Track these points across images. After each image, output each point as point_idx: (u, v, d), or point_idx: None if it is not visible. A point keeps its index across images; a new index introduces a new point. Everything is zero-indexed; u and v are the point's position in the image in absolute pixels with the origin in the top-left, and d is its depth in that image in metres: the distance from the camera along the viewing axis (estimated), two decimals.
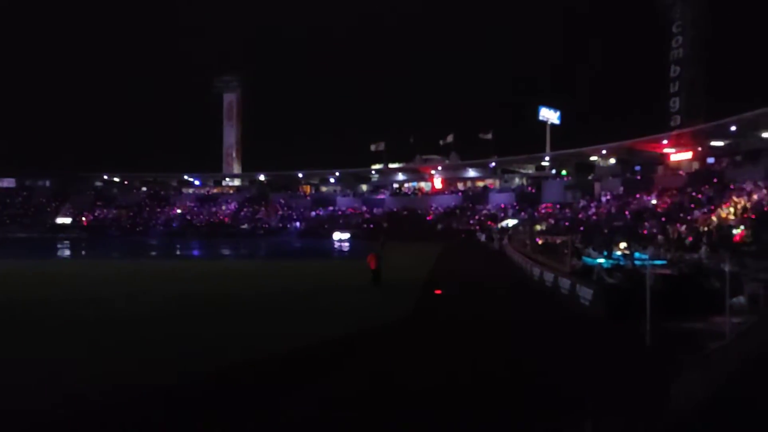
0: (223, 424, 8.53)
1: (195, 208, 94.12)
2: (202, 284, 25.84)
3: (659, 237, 35.36)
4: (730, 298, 14.67)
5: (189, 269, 33.84)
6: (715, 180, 49.57)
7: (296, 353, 13.00)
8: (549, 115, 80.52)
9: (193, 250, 55.39)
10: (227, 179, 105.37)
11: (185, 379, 10.77)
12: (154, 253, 49.33)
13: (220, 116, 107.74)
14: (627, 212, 52.33)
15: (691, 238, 32.60)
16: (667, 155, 60.25)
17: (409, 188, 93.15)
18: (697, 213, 41.77)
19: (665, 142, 58.24)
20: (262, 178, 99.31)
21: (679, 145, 58.19)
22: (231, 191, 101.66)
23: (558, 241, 29.00)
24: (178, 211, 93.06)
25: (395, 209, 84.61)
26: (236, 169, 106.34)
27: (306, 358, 12.77)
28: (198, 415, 9.01)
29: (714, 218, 38.10)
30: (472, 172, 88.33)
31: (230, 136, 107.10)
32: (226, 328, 15.92)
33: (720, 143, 55.01)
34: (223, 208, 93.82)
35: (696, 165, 57.72)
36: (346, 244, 64.13)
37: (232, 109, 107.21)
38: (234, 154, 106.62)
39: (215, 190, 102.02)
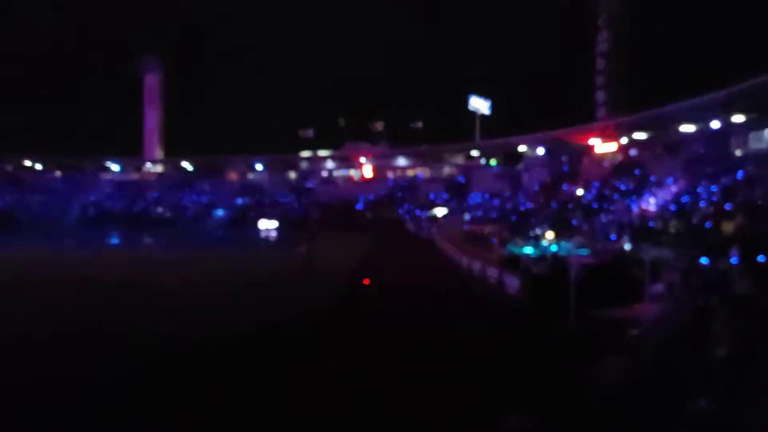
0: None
1: (114, 194, 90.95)
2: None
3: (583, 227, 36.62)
4: (649, 287, 15.42)
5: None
6: (637, 171, 51.63)
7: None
8: (479, 105, 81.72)
9: (106, 238, 53.57)
10: (149, 165, 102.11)
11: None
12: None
13: (141, 99, 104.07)
14: (554, 202, 53.88)
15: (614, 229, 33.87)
16: (593, 146, 62.35)
17: (338, 176, 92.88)
18: (619, 203, 43.42)
19: (591, 133, 60.26)
20: (186, 164, 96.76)
21: (604, 137, 60.31)
22: (153, 177, 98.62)
23: (486, 230, 29.67)
24: (95, 197, 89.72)
25: (324, 197, 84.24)
26: (158, 154, 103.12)
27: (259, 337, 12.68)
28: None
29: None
30: (402, 161, 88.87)
31: (152, 119, 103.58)
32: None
33: (642, 135, 57.33)
34: (145, 194, 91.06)
35: (619, 156, 59.96)
36: (274, 233, 63.42)
37: (153, 92, 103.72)
38: (156, 139, 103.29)
39: (136, 176, 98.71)
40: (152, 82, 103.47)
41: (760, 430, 6.50)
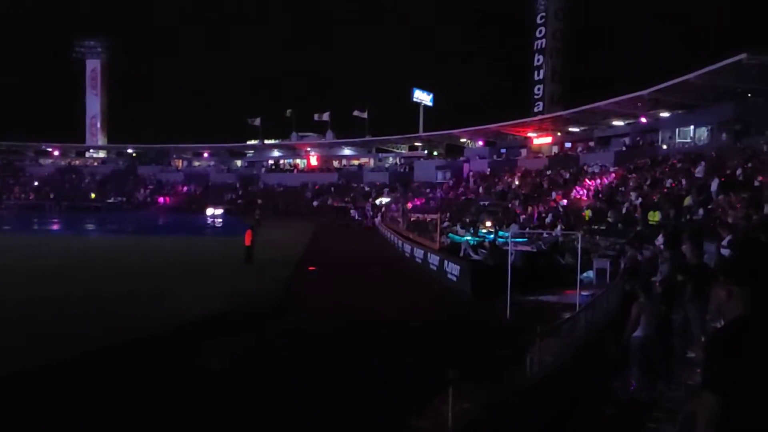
0: None
1: (55, 180, 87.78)
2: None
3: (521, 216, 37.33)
4: (581, 274, 15.91)
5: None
6: (571, 164, 52.94)
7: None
8: (422, 97, 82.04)
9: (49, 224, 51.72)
10: (91, 151, 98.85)
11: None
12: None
13: (83, 83, 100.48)
14: (493, 192, 54.72)
15: (549, 218, 34.63)
16: (530, 139, 63.60)
17: (285, 165, 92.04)
18: (554, 194, 44.42)
19: (529, 127, 61.43)
20: (130, 150, 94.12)
21: (541, 130, 61.61)
22: (95, 163, 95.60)
23: (428, 219, 29.89)
24: (35, 183, 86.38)
25: (271, 186, 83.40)
26: (101, 140, 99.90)
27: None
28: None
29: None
30: (347, 151, 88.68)
31: (94, 105, 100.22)
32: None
33: (576, 129, 58.82)
34: (87, 180, 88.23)
35: (555, 149, 61.37)
36: (219, 220, 62.43)
37: (96, 77, 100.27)
38: (99, 125, 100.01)
39: (77, 162, 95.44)
40: (95, 66, 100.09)
41: (678, 403, 6.83)
